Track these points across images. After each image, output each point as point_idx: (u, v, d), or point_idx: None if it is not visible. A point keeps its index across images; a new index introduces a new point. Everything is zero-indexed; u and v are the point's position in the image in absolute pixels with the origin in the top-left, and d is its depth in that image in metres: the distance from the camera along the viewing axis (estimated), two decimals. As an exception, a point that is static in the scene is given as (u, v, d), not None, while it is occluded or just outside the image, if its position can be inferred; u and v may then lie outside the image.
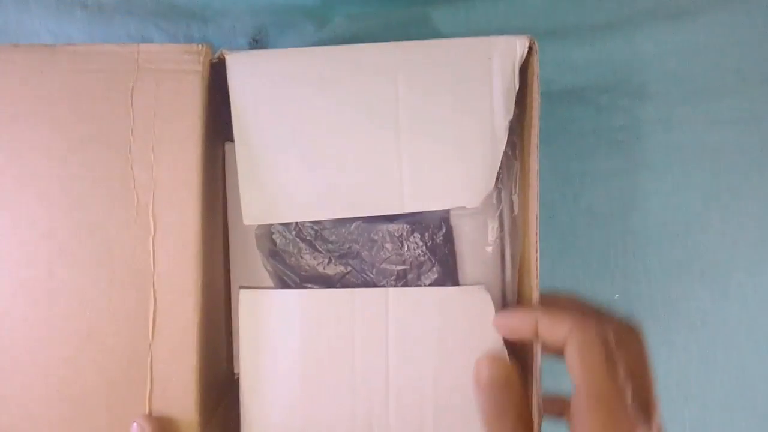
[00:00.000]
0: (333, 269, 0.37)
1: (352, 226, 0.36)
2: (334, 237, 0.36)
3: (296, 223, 0.37)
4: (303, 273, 0.37)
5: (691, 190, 0.47)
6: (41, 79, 0.33)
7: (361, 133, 0.33)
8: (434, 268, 0.36)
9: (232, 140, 0.37)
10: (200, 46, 0.32)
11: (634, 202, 0.48)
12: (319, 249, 0.37)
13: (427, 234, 0.35)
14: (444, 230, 0.35)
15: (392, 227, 0.36)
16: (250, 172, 0.34)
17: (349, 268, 0.37)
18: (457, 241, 0.36)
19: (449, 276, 0.36)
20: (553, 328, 0.29)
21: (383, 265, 0.36)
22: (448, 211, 0.36)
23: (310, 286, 0.37)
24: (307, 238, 0.37)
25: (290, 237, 0.37)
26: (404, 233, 0.36)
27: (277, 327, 0.35)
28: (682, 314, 0.48)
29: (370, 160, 0.33)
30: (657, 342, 0.48)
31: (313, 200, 0.34)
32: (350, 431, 0.34)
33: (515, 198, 0.36)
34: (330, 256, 0.37)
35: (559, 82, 0.47)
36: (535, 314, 0.30)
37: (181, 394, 0.33)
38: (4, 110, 0.33)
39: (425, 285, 0.36)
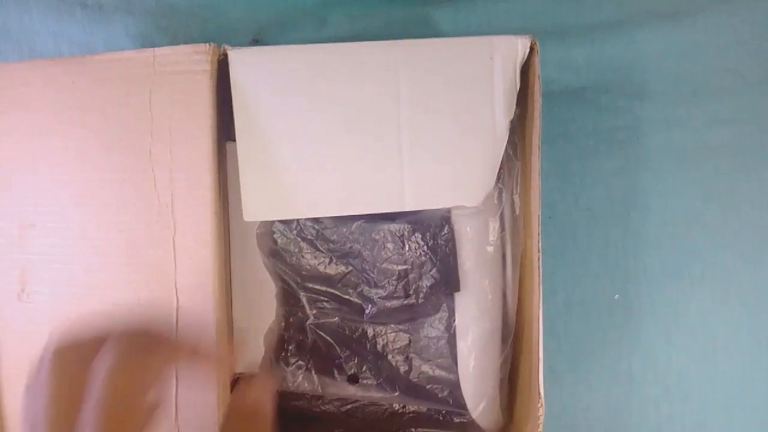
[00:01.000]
0: (334, 269, 0.37)
1: (354, 226, 0.36)
2: (335, 237, 0.36)
3: (297, 222, 0.37)
4: (304, 272, 0.37)
5: (691, 190, 0.47)
6: (73, 89, 0.34)
7: (362, 130, 0.33)
8: (435, 268, 0.36)
9: (232, 140, 0.37)
10: (208, 45, 0.33)
11: (634, 202, 0.48)
12: (320, 249, 0.37)
13: (428, 234, 0.35)
14: (445, 230, 0.35)
15: (393, 227, 0.36)
16: (251, 167, 0.34)
17: (350, 268, 0.37)
18: (458, 242, 0.36)
19: (450, 276, 0.36)
20: None
21: (384, 265, 0.36)
22: (449, 211, 0.36)
23: (311, 285, 0.37)
24: (308, 237, 0.37)
25: (291, 236, 0.37)
26: (405, 233, 0.36)
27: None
28: (682, 314, 0.48)
29: (371, 158, 0.33)
30: (657, 342, 0.48)
31: (314, 197, 0.34)
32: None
33: (516, 198, 0.36)
34: (331, 255, 0.37)
35: (559, 82, 0.47)
36: None
37: (203, 392, 0.33)
38: (43, 120, 0.35)
39: (426, 285, 0.36)
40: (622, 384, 0.48)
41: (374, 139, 0.33)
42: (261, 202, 0.34)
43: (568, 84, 0.47)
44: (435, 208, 0.35)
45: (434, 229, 0.35)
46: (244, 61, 0.33)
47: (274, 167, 0.34)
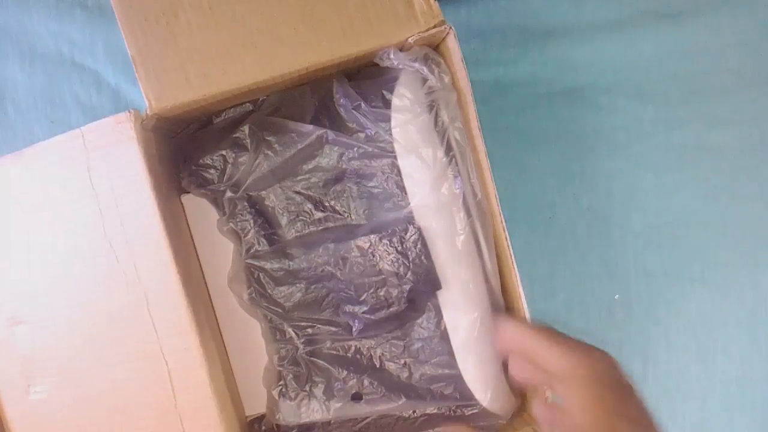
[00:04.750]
0: (313, 295, 0.36)
1: (320, 249, 0.36)
2: (305, 264, 0.36)
3: (268, 256, 0.37)
4: (285, 305, 0.36)
5: (692, 190, 0.47)
6: (38, 183, 0.34)
7: None
8: (410, 271, 0.35)
9: (187, 193, 0.38)
10: (129, 113, 0.32)
11: (634, 202, 0.48)
12: (294, 279, 0.36)
13: (395, 239, 0.35)
14: (411, 231, 0.35)
15: (360, 242, 0.35)
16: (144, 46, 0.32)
17: (328, 290, 0.36)
18: (427, 239, 0.35)
19: (428, 275, 0.35)
20: (554, 360, 0.27)
21: (360, 280, 0.35)
22: (411, 213, 0.35)
23: (294, 315, 0.36)
24: (280, 270, 0.36)
25: (262, 274, 0.37)
26: (373, 243, 0.35)
27: None
28: (682, 314, 0.48)
29: None
30: (657, 342, 0.48)
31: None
32: None
33: (475, 182, 0.35)
34: (306, 283, 0.36)
35: (559, 82, 0.47)
36: (533, 339, 0.27)
37: None
38: (25, 210, 0.35)
39: (406, 289, 0.35)
40: (622, 384, 0.48)
41: None
42: (165, 85, 0.33)
43: (568, 84, 0.47)
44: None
45: (400, 233, 0.35)
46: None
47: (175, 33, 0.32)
